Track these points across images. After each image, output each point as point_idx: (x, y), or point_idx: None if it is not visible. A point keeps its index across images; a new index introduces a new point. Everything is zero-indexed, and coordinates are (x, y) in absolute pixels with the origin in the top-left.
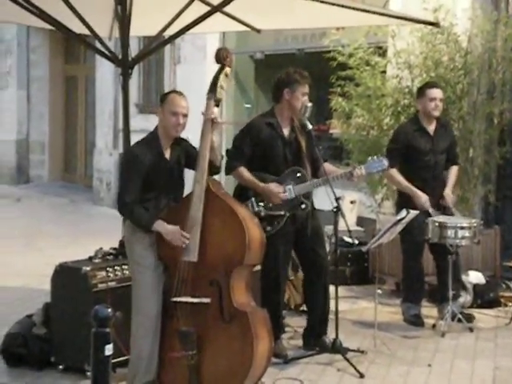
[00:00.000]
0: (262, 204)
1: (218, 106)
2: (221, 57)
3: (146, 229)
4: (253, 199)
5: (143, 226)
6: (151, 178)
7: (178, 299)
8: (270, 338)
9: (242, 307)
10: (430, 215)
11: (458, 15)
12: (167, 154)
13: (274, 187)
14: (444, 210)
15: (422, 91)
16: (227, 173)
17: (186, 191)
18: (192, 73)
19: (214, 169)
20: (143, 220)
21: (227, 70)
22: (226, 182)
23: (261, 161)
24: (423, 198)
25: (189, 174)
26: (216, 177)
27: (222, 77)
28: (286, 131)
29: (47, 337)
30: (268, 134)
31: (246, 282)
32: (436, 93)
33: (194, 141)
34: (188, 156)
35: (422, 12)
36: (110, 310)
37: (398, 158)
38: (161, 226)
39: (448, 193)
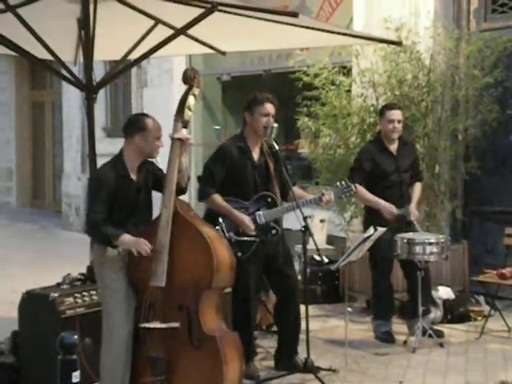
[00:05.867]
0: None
1: (185, 127)
2: (188, 77)
3: (112, 243)
4: (223, 225)
5: (109, 241)
6: (117, 200)
7: (147, 325)
8: (240, 362)
9: (212, 332)
10: (398, 231)
11: (420, 33)
12: (133, 176)
13: (247, 221)
14: (409, 226)
15: (382, 112)
16: (200, 199)
17: (154, 213)
18: (159, 96)
19: (180, 190)
20: (110, 233)
21: (195, 90)
22: (195, 206)
23: (231, 185)
24: (387, 206)
25: (156, 197)
26: (186, 199)
27: (189, 98)
28: (255, 155)
29: (16, 365)
30: (239, 158)
31: (216, 305)
32: (394, 114)
33: (162, 164)
34: (155, 178)
35: (385, 31)
36: (76, 336)
37: (361, 176)
38: (126, 237)
39: (413, 208)
